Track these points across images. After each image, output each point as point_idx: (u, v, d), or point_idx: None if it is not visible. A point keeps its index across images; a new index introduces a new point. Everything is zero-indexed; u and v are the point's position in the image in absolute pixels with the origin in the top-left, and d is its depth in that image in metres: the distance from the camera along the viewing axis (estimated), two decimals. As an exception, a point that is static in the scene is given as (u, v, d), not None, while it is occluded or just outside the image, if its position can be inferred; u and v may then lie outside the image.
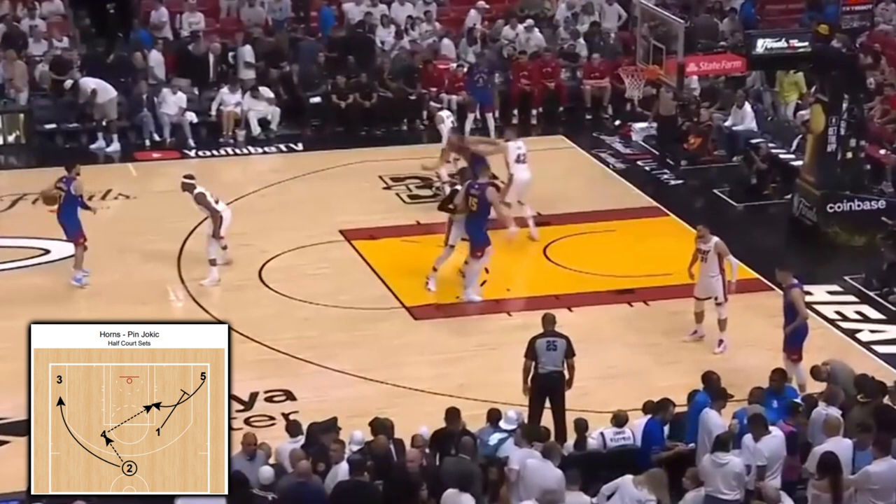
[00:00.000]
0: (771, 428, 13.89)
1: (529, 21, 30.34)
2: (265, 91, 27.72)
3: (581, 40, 30.18)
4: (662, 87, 25.01)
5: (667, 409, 14.79)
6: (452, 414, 14.62)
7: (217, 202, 20.76)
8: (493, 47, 29.93)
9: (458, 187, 20.51)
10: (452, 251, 20.38)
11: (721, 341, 18.63)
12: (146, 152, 26.73)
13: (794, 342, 17.20)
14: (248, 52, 28.63)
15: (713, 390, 14.84)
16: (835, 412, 14.23)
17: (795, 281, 17.41)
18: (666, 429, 14.80)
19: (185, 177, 21.06)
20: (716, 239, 18.57)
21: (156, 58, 28.27)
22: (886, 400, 14.91)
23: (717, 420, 14.21)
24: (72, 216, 20.51)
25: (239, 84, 27.63)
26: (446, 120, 24.49)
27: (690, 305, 18.92)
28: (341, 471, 13.48)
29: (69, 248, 20.78)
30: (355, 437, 14.44)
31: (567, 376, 16.04)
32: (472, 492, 13.16)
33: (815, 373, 15.65)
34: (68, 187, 20.48)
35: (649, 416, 15.04)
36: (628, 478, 13.25)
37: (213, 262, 20.62)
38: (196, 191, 20.70)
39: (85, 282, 20.52)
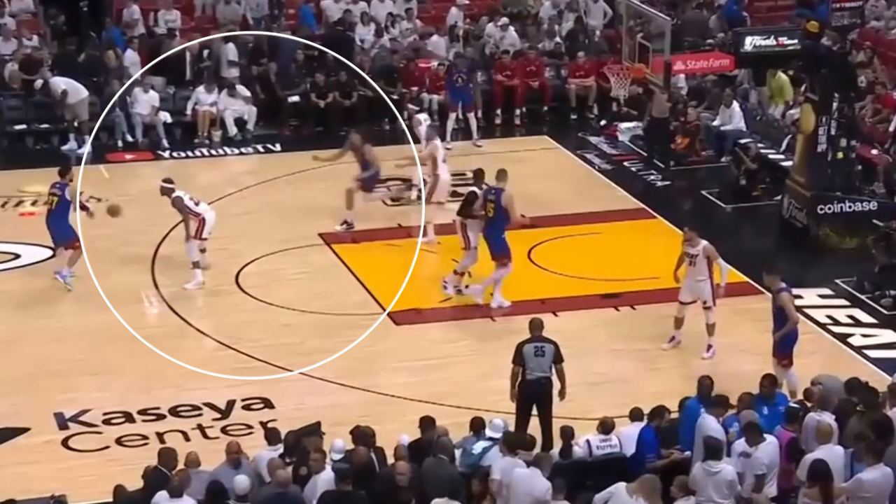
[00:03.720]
0: (765, 435, 13.94)
1: (504, 20, 30.37)
2: (241, 89, 27.72)
3: (557, 38, 30.23)
4: (657, 89, 25.06)
5: (662, 417, 14.77)
6: (427, 422, 14.62)
7: (198, 204, 20.82)
8: (475, 45, 29.97)
9: (476, 189, 20.46)
10: (477, 252, 20.40)
11: (710, 346, 18.66)
12: (118, 153, 26.67)
13: (784, 347, 17.23)
14: (231, 51, 28.61)
15: (705, 396, 14.91)
16: (828, 418, 14.26)
17: (783, 285, 17.41)
18: (656, 436, 14.84)
19: (164, 181, 21.08)
20: (704, 243, 18.56)
21: (131, 57, 28.19)
22: (886, 409, 14.86)
23: (714, 427, 14.22)
24: (63, 221, 20.55)
25: (215, 83, 27.62)
26: (423, 123, 24.50)
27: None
28: (321, 481, 13.48)
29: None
30: (336, 446, 14.46)
31: (557, 383, 16.02)
32: (460, 499, 13.23)
33: (808, 395, 15.52)
34: (62, 192, 20.55)
35: (635, 422, 15.08)
36: (622, 485, 13.27)
37: (195, 265, 20.63)
38: (174, 195, 20.73)
39: (69, 280, 20.49)
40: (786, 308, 17.14)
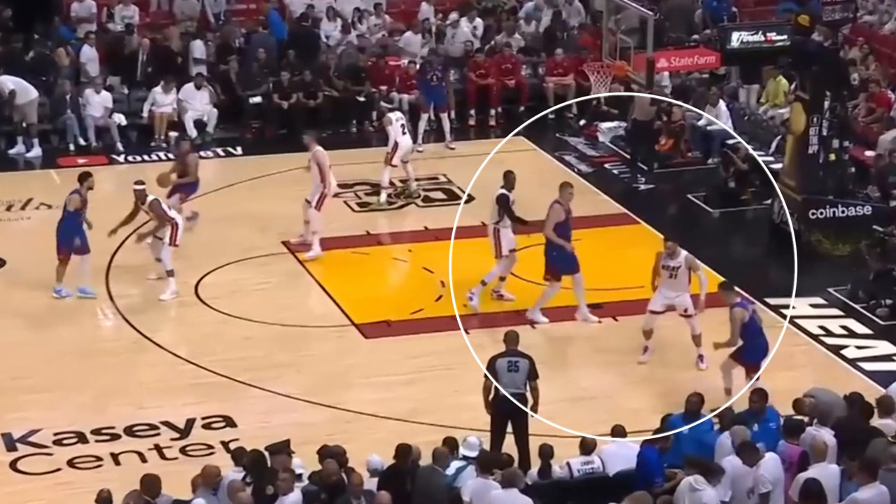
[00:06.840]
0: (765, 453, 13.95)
1: (453, 15, 30.38)
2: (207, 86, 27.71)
3: (517, 34, 30.25)
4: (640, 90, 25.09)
5: (667, 439, 14.73)
6: (404, 450, 14.47)
7: (169, 209, 20.84)
8: (446, 42, 29.99)
9: (505, 192, 20.40)
10: (506, 260, 20.42)
11: (701, 356, 18.69)
12: (70, 157, 26.54)
13: (751, 357, 17.37)
14: (198, 48, 28.54)
15: (693, 413, 15.01)
16: (826, 434, 14.25)
17: (739, 300, 17.64)
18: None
19: (136, 183, 20.99)
20: (685, 253, 18.60)
21: (88, 54, 28.07)
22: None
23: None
24: (62, 228, 20.62)
25: (175, 83, 27.54)
26: (395, 123, 24.47)
27: (663, 321, 18.90)
28: (288, 503, 13.43)
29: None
30: (294, 464, 14.41)
31: (531, 400, 15.98)
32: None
33: (798, 407, 15.52)
34: (67, 200, 20.67)
35: (617, 438, 15.08)
36: (611, 507, 13.30)
37: (170, 273, 20.63)
38: (150, 199, 20.72)
39: (65, 293, 20.50)
40: (732, 324, 17.39)
